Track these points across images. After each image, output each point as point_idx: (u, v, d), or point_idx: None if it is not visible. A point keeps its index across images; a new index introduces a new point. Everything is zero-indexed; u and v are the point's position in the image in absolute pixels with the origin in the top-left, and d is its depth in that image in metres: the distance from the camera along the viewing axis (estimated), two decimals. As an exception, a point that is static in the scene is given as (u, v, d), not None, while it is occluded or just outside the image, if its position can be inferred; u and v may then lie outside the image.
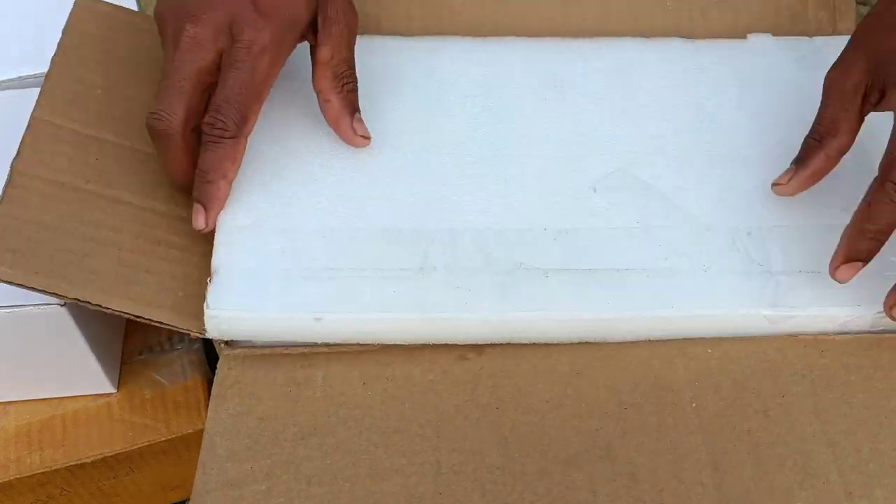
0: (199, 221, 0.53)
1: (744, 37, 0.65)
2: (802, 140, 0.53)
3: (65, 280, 0.49)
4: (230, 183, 0.53)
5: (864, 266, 0.50)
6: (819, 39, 0.65)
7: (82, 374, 0.58)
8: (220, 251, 0.53)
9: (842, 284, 0.50)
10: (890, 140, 0.49)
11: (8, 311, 0.52)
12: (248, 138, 0.53)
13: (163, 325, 0.51)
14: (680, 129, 0.60)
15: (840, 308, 0.52)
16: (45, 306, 0.52)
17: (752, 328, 0.52)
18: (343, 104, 0.56)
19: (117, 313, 0.50)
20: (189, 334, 0.61)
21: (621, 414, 0.49)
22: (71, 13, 0.59)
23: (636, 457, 0.48)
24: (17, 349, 0.55)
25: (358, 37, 0.57)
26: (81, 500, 0.61)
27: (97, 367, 0.57)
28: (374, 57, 0.60)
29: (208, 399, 0.52)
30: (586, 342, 0.52)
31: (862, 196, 0.50)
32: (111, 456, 0.58)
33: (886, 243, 0.50)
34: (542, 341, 0.52)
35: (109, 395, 0.60)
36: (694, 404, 0.50)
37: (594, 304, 0.52)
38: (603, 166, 0.58)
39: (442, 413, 0.49)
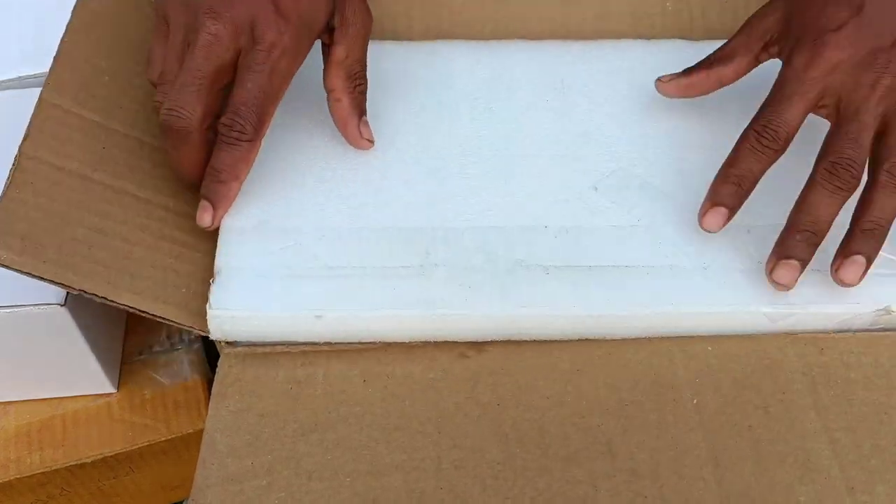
0: (206, 219, 0.53)
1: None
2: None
3: (72, 270, 0.49)
4: (241, 184, 0.54)
5: (730, 214, 0.52)
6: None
7: (82, 374, 0.58)
8: (222, 253, 0.53)
9: (710, 233, 0.53)
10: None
11: (8, 311, 0.52)
12: (262, 140, 0.53)
13: (167, 322, 0.51)
14: (680, 128, 0.60)
15: (839, 306, 0.52)
16: (45, 306, 0.52)
17: (751, 326, 0.52)
18: (353, 105, 0.57)
19: (123, 307, 0.50)
20: (190, 333, 0.62)
21: (622, 411, 0.49)
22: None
23: (637, 453, 0.48)
24: (17, 349, 0.55)
25: None
26: (81, 500, 0.61)
27: (97, 367, 0.57)
28: (376, 60, 0.61)
29: (208, 399, 0.52)
30: (587, 339, 0.52)
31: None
32: (111, 456, 0.58)
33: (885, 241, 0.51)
34: (543, 338, 0.52)
35: (109, 395, 0.60)
36: (695, 401, 0.50)
37: (594, 302, 0.52)
38: (604, 166, 0.58)
39: (442, 410, 0.49)
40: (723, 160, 0.53)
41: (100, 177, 0.53)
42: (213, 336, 0.51)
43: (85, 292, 0.49)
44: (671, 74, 0.59)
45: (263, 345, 0.52)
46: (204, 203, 0.53)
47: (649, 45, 0.65)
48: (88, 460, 0.58)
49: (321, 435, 0.48)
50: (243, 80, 0.51)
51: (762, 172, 0.52)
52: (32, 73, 0.63)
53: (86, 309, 0.54)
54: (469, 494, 0.46)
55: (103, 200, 0.52)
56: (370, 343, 0.52)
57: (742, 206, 0.52)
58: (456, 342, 0.52)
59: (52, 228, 0.49)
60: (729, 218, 0.52)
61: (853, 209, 0.51)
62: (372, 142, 0.58)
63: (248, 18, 0.51)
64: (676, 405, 0.49)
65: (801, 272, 0.51)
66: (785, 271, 0.50)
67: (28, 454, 0.57)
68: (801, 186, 0.51)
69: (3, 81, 0.63)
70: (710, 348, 0.52)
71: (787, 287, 0.51)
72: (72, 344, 0.55)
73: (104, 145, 0.54)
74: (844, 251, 0.50)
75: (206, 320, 0.51)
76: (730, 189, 0.52)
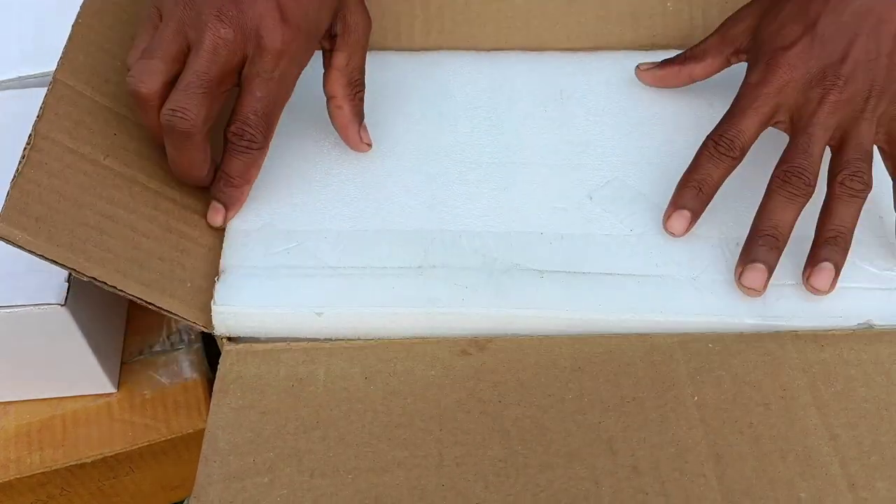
0: (218, 220, 0.55)
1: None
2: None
3: (84, 256, 0.48)
4: (251, 186, 0.55)
5: (693, 218, 0.55)
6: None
7: (82, 374, 0.58)
8: (227, 253, 0.54)
9: (674, 236, 0.55)
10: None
11: (8, 311, 0.52)
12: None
13: (172, 315, 0.51)
14: (676, 139, 0.61)
15: (822, 320, 0.53)
16: (45, 306, 0.52)
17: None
18: (353, 112, 0.58)
19: (130, 297, 0.49)
20: (190, 333, 0.62)
21: (623, 408, 0.49)
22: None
23: (638, 450, 0.48)
24: (17, 349, 0.55)
25: None
26: (81, 500, 0.61)
27: (97, 367, 0.57)
28: (378, 70, 0.61)
29: (208, 398, 0.52)
30: (587, 337, 0.52)
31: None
32: (111, 456, 0.58)
33: (865, 253, 0.54)
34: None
35: (109, 394, 0.60)
36: (695, 398, 0.50)
37: (586, 305, 0.53)
38: (599, 176, 0.59)
39: (444, 407, 0.49)
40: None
41: (110, 163, 0.53)
42: (216, 332, 0.52)
43: (96, 280, 0.48)
44: (650, 63, 0.64)
45: (265, 341, 0.52)
46: (216, 205, 0.55)
47: (648, 56, 0.65)
48: (88, 460, 0.57)
49: (323, 432, 0.48)
50: (252, 88, 0.51)
51: (721, 178, 0.55)
52: (32, 73, 0.63)
53: (86, 309, 0.54)
54: (471, 491, 0.46)
55: (113, 187, 0.52)
56: (371, 340, 0.52)
57: (729, 218, 0.55)
58: (457, 340, 0.52)
59: (65, 211, 0.49)
60: (692, 221, 0.55)
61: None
62: (370, 145, 0.59)
63: (255, 24, 0.51)
64: (677, 402, 0.50)
65: (769, 276, 0.52)
66: (752, 275, 0.52)
67: (28, 454, 0.57)
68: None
69: (3, 81, 0.63)
70: (710, 345, 0.52)
71: (756, 291, 0.52)
72: (72, 344, 0.55)
73: (115, 131, 0.54)
74: (812, 260, 0.53)
75: (208, 316, 0.51)
76: (691, 193, 0.55)
